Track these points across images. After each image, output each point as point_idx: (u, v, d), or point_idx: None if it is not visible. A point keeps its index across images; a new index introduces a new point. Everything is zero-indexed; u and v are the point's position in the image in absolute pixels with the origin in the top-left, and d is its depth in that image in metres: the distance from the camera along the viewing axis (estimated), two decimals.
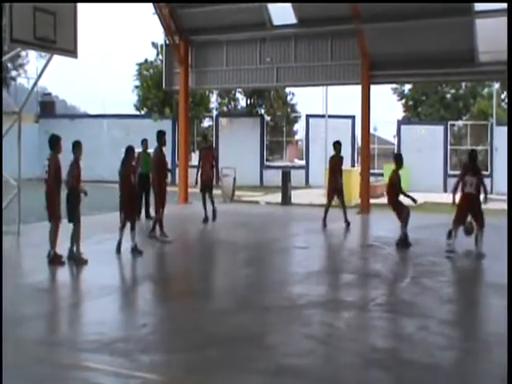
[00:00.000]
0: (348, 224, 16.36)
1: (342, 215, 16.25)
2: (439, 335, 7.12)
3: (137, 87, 38.95)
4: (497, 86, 37.14)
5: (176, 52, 22.91)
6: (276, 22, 21.45)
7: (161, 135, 13.81)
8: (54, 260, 10.79)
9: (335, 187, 16.43)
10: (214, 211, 16.74)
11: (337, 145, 16.77)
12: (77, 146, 11.16)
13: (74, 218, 10.97)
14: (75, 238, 10.97)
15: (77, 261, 10.85)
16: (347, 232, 16.07)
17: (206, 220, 16.63)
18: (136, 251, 11.80)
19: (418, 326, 7.57)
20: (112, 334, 6.87)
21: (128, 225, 11.88)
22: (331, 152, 17.09)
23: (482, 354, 6.62)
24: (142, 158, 16.32)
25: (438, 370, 6.05)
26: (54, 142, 11.05)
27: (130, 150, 12.22)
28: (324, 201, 17.26)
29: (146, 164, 15.89)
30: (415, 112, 42.98)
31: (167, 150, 31.11)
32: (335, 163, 16.63)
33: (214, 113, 40.42)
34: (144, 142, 16.89)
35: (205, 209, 16.60)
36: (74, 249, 10.97)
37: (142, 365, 6.03)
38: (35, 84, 16.48)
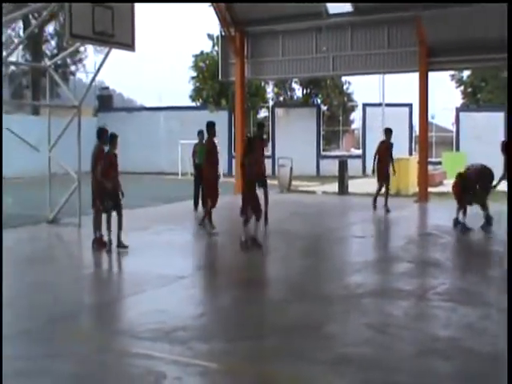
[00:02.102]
0: (387, 211, 16.81)
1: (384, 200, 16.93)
2: (502, 325, 6.95)
3: (193, 78, 39.27)
4: None
5: (232, 43, 22.99)
6: (332, 11, 21.28)
7: (211, 126, 13.61)
8: (95, 243, 11.43)
9: (384, 170, 17.17)
10: (265, 213, 13.51)
11: (388, 131, 17.32)
12: (113, 139, 11.33)
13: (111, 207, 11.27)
14: (118, 225, 11.26)
15: (119, 246, 11.32)
16: (387, 217, 16.55)
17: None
18: (255, 244, 11.44)
19: (479, 315, 7.44)
20: (172, 323, 6.95)
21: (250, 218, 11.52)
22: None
23: None
24: (199, 150, 16.42)
25: (501, 359, 5.92)
26: (101, 134, 11.46)
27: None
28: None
29: (202, 155, 15.97)
30: (474, 99, 42.11)
31: (223, 141, 31.39)
32: (384, 149, 17.12)
33: (270, 103, 40.47)
34: (200, 134, 16.99)
35: None
36: (112, 237, 11.28)
37: (202, 353, 6.08)
38: (94, 78, 16.78)
